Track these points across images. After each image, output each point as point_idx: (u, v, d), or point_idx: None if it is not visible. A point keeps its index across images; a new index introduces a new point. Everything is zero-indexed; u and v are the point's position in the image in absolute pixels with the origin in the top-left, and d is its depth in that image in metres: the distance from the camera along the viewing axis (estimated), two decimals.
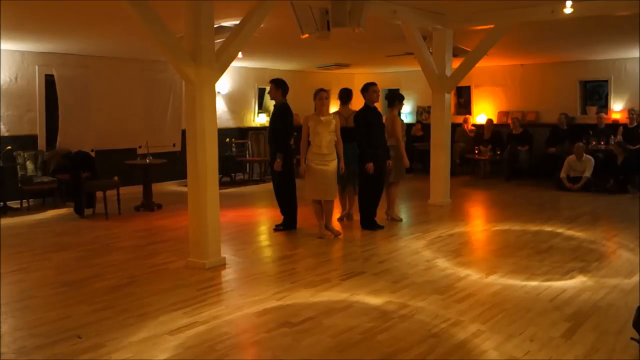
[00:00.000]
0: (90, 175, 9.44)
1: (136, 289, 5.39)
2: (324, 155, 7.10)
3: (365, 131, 7.55)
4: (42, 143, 10.40)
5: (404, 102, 8.91)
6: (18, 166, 9.73)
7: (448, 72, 9.41)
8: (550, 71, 13.43)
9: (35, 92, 10.29)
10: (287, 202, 7.75)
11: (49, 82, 10.45)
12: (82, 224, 8.60)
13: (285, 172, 7.58)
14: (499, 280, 5.51)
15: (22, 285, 5.56)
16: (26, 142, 10.11)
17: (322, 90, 7.29)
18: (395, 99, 8.37)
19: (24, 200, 9.67)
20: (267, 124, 13.86)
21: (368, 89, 7.70)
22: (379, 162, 7.60)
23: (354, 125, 7.68)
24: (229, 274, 5.91)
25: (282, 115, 7.61)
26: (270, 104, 13.37)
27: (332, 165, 7.17)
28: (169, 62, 6.46)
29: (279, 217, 7.92)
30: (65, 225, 8.49)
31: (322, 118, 7.09)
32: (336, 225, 7.83)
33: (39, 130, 10.39)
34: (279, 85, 7.65)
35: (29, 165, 9.86)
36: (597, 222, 8.36)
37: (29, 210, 9.50)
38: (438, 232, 7.62)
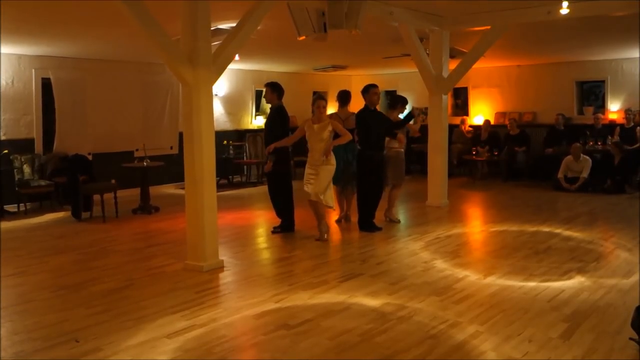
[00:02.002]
0: (87, 179, 9.41)
1: (134, 292, 5.38)
2: (317, 162, 7.02)
3: (364, 133, 7.54)
4: (39, 146, 10.38)
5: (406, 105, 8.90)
6: (15, 170, 9.70)
7: (445, 74, 9.42)
8: (546, 72, 13.45)
9: (32, 95, 10.27)
10: (283, 204, 7.75)
11: (46, 86, 10.44)
12: (79, 227, 8.58)
13: (282, 174, 7.59)
14: (497, 281, 5.51)
15: (19, 289, 5.55)
16: (23, 145, 10.08)
17: (320, 98, 7.19)
18: (398, 102, 8.36)
19: (21, 204, 9.65)
20: (264, 126, 13.92)
21: (368, 91, 7.68)
22: (376, 164, 7.59)
23: (352, 127, 7.68)
24: (226, 277, 5.90)
25: (278, 118, 7.62)
26: (268, 105, 13.38)
27: (327, 168, 7.03)
28: (165, 64, 6.45)
29: (276, 219, 7.92)
30: (62, 228, 8.47)
31: (315, 126, 7.02)
32: (332, 240, 7.66)
33: (36, 134, 10.37)
34: (275, 89, 7.68)
35: (26, 169, 9.84)
36: (595, 223, 8.37)
37: (27, 214, 9.48)
38: (436, 234, 7.62)
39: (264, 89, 7.86)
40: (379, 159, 7.67)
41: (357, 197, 7.92)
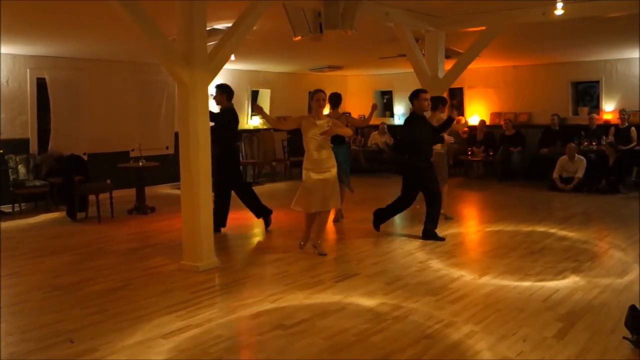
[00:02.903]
0: (82, 179, 9.40)
1: (130, 292, 5.37)
2: (322, 161, 6.47)
3: (411, 141, 7.10)
4: (34, 146, 10.36)
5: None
6: (10, 170, 9.68)
7: (440, 74, 9.41)
8: (542, 72, 13.50)
9: (26, 95, 10.25)
10: (251, 201, 7.95)
11: (41, 85, 10.41)
12: (74, 227, 8.57)
13: (233, 173, 7.83)
14: (492, 281, 5.53)
15: (14, 289, 5.53)
16: (18, 145, 10.06)
17: (319, 91, 6.66)
18: (439, 102, 8.14)
19: (16, 204, 9.61)
20: (260, 126, 13.92)
21: (418, 96, 7.10)
22: (421, 175, 7.17)
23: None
24: (222, 277, 5.89)
25: (229, 119, 7.76)
26: (265, 106, 13.38)
27: (333, 172, 6.57)
28: (161, 64, 6.45)
29: (273, 219, 7.93)
30: (57, 228, 8.45)
31: (318, 122, 6.51)
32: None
33: (31, 134, 10.34)
34: (224, 90, 7.86)
35: (21, 169, 9.82)
36: (590, 222, 8.40)
37: (21, 214, 9.45)
38: None
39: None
40: (423, 169, 7.17)
41: (396, 200, 7.52)
